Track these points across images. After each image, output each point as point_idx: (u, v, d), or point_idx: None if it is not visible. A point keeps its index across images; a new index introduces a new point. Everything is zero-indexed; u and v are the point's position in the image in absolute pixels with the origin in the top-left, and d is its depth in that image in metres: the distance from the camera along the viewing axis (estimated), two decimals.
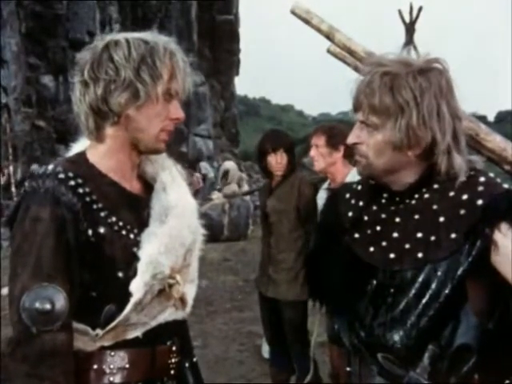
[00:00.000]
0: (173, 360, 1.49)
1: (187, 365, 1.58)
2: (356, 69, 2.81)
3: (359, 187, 1.60)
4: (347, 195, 1.61)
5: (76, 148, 1.52)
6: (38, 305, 1.28)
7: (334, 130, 3.57)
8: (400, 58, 1.45)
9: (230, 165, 13.71)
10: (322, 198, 3.60)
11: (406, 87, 1.39)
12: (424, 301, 1.40)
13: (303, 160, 10.36)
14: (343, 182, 3.27)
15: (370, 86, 1.42)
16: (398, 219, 1.48)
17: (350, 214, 1.57)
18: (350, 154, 3.45)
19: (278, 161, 3.70)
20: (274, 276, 3.72)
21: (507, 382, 1.41)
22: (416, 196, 1.47)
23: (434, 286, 1.39)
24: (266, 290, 3.78)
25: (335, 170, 3.54)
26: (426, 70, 1.42)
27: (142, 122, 1.42)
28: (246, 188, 13.32)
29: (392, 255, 1.46)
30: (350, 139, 1.49)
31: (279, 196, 3.75)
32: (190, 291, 1.51)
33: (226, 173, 13.55)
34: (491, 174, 1.46)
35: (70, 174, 1.37)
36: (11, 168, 14.08)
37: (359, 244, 1.52)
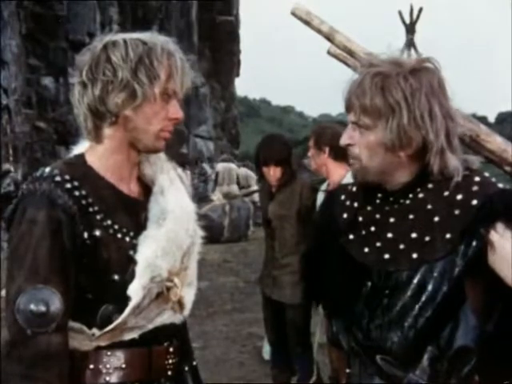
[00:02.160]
0: (170, 361, 1.49)
1: (187, 368, 1.58)
2: (356, 70, 2.81)
3: (354, 188, 1.60)
4: (342, 197, 1.60)
5: (76, 150, 1.52)
6: (32, 307, 1.29)
7: (322, 131, 3.61)
8: (392, 58, 1.46)
9: (221, 167, 13.74)
10: (319, 199, 3.62)
11: (396, 87, 1.39)
12: (420, 302, 1.39)
13: (303, 161, 10.37)
14: (340, 183, 3.30)
15: (360, 87, 1.42)
16: (392, 219, 1.47)
17: (345, 215, 1.56)
18: (336, 156, 3.50)
19: (270, 173, 3.69)
20: (278, 279, 3.72)
21: (506, 382, 1.40)
22: (410, 196, 1.46)
23: (430, 286, 1.39)
24: (270, 291, 3.78)
25: (327, 171, 3.59)
26: (418, 70, 1.42)
27: (139, 122, 1.42)
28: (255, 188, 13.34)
29: (387, 256, 1.45)
30: (343, 140, 1.49)
31: (280, 201, 3.74)
32: (188, 294, 1.51)
33: (217, 175, 13.61)
34: (486, 174, 1.45)
35: (67, 177, 1.38)
36: (12, 169, 14.07)
37: (354, 245, 1.51)
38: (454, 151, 1.43)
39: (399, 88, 1.38)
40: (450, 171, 1.41)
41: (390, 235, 1.46)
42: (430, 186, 1.45)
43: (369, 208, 1.52)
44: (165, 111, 1.44)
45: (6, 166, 13.22)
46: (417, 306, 1.39)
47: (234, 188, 13.26)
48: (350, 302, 1.49)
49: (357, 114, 1.44)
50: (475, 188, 1.41)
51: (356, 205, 1.55)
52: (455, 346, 1.39)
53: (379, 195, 1.51)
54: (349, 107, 1.46)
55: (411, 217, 1.45)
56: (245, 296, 7.29)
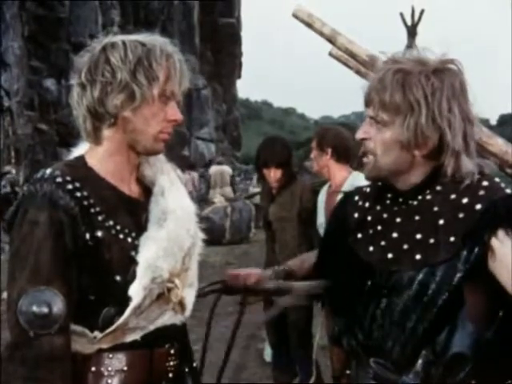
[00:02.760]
0: (171, 363, 1.49)
1: (187, 370, 1.58)
2: (358, 72, 2.81)
3: (368, 190, 1.60)
4: (356, 197, 1.61)
5: (76, 152, 1.52)
6: (35, 308, 1.28)
7: (325, 133, 3.64)
8: (416, 56, 1.45)
9: (213, 169, 13.79)
10: (320, 201, 3.63)
11: (417, 85, 1.38)
12: (422, 304, 1.38)
13: (305, 163, 10.37)
14: (342, 185, 3.31)
15: (381, 83, 1.41)
16: (398, 219, 1.47)
17: (356, 215, 1.56)
18: (339, 157, 3.51)
19: (271, 175, 3.71)
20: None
21: None
22: (419, 197, 1.45)
23: (431, 289, 1.38)
24: None
25: (329, 173, 3.60)
26: (440, 70, 1.41)
27: (138, 124, 1.42)
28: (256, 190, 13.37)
29: (390, 255, 1.45)
30: (359, 134, 1.49)
31: (281, 204, 3.75)
32: (189, 295, 1.51)
33: (210, 178, 13.69)
34: (497, 179, 1.44)
35: (68, 178, 1.37)
36: (14, 171, 14.10)
37: (360, 244, 1.51)
38: (470, 154, 1.41)
39: (420, 86, 1.38)
40: (463, 174, 1.40)
41: (395, 235, 1.46)
42: (438, 188, 1.44)
43: (378, 208, 1.52)
44: (163, 113, 1.44)
45: (7, 168, 13.25)
46: (418, 309, 1.39)
47: (227, 190, 13.30)
48: (353, 301, 1.49)
49: (375, 109, 1.43)
50: (481, 192, 1.39)
51: (367, 205, 1.55)
52: (451, 351, 1.38)
53: (389, 195, 1.51)
54: (368, 102, 1.45)
55: (417, 218, 1.44)
56: None
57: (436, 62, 1.42)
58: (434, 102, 1.37)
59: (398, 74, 1.39)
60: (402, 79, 1.39)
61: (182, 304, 1.48)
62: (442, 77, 1.40)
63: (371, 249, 1.49)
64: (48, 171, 1.39)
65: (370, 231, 1.51)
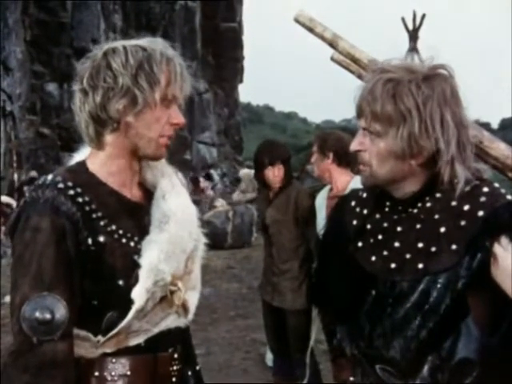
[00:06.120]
0: (174, 367, 1.49)
1: (190, 373, 1.58)
2: (360, 76, 2.81)
3: (364, 195, 1.58)
4: (353, 203, 1.59)
5: (77, 157, 1.52)
6: (38, 314, 1.28)
7: (326, 137, 3.66)
8: (404, 64, 1.43)
9: (243, 173, 13.63)
10: (319, 204, 3.63)
11: (408, 95, 1.36)
12: (423, 312, 1.38)
13: (307, 167, 10.38)
14: (344, 190, 3.30)
15: (372, 93, 1.39)
16: (399, 228, 1.46)
17: (355, 222, 1.55)
18: (340, 162, 3.52)
19: (275, 174, 3.71)
20: (278, 285, 3.72)
21: None
22: (418, 205, 1.44)
23: (433, 297, 1.37)
24: (271, 298, 3.78)
25: (330, 177, 3.61)
26: (430, 77, 1.39)
27: (141, 128, 1.42)
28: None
29: (393, 265, 1.44)
30: (353, 146, 1.47)
31: (277, 207, 3.75)
32: (192, 298, 1.51)
33: (238, 181, 13.48)
34: (496, 184, 1.43)
35: (70, 184, 1.38)
36: (15, 175, 14.13)
37: (362, 253, 1.50)
38: (465, 161, 1.40)
39: (411, 96, 1.36)
40: (460, 181, 1.39)
41: (396, 244, 1.45)
42: (438, 195, 1.43)
43: (377, 216, 1.51)
44: (166, 117, 1.44)
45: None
46: (419, 316, 1.38)
47: (244, 195, 13.10)
48: (354, 310, 1.48)
49: (368, 120, 1.41)
50: (483, 199, 1.38)
51: (365, 212, 1.54)
52: (457, 357, 1.37)
53: (388, 203, 1.49)
54: (360, 113, 1.44)
55: (418, 226, 1.43)
56: (248, 302, 7.27)
57: (425, 69, 1.41)
58: (426, 111, 1.36)
59: (388, 84, 1.38)
60: (393, 89, 1.37)
61: (184, 307, 1.48)
62: (433, 84, 1.38)
63: (373, 258, 1.48)
64: (49, 177, 1.40)
65: (371, 240, 1.50)
